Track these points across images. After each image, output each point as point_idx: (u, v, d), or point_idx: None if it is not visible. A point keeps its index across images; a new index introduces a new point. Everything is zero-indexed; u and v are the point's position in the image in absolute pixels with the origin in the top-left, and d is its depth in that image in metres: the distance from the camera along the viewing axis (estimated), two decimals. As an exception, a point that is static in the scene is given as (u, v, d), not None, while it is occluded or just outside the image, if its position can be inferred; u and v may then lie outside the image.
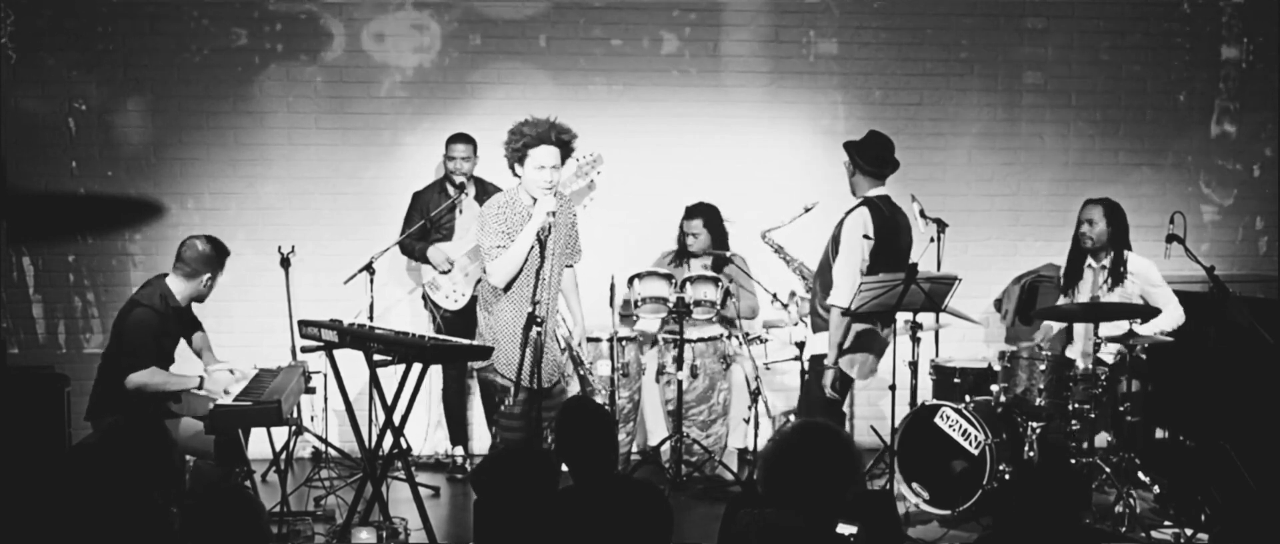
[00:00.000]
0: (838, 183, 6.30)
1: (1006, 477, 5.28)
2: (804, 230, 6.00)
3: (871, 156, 5.26)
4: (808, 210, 5.97)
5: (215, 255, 5.13)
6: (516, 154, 4.94)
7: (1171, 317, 5.62)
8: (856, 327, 5.21)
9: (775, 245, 6.12)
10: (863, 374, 5.31)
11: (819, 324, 5.33)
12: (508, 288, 4.99)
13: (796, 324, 5.99)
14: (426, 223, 6.18)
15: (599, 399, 5.86)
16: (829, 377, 5.20)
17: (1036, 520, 3.07)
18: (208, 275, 5.11)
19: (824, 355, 5.23)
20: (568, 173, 5.22)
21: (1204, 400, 5.90)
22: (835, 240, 5.22)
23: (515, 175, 5.01)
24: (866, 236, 5.14)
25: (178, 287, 5.08)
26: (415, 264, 6.50)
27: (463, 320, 6.15)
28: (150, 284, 5.13)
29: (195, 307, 5.33)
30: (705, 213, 6.35)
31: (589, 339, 6.06)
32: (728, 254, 6.34)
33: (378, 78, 6.73)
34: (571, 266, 5.36)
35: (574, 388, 5.79)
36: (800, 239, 6.06)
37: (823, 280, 5.29)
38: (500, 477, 3.51)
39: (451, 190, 6.24)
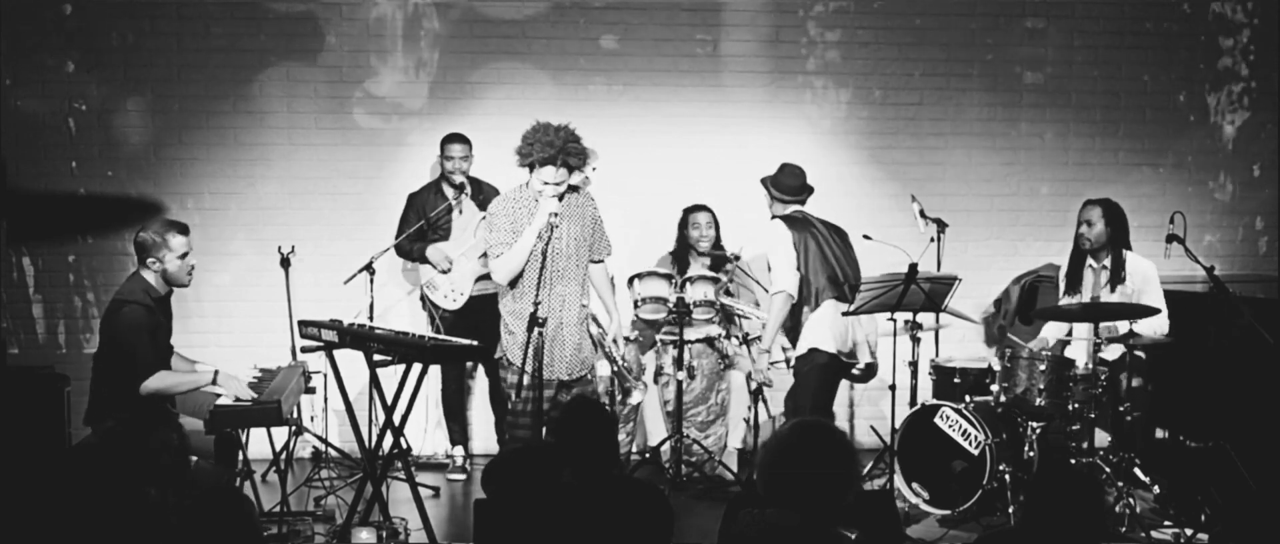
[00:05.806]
0: (834, 183, 6.29)
1: (1009, 478, 5.28)
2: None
3: (787, 188, 5.69)
4: (737, 259, 6.30)
5: (152, 233, 4.86)
6: (528, 166, 5.10)
7: (1156, 323, 5.59)
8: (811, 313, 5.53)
9: (745, 268, 6.22)
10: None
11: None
12: (514, 284, 5.13)
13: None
14: (423, 224, 6.17)
15: (637, 395, 5.86)
16: (764, 360, 5.63)
17: (1065, 526, 3.07)
18: (153, 257, 4.84)
19: (805, 354, 5.51)
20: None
21: (1204, 400, 5.89)
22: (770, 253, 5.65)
23: (530, 173, 5.13)
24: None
25: (150, 277, 4.89)
26: (413, 264, 6.49)
27: (461, 320, 6.15)
28: (130, 280, 4.94)
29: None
30: (710, 209, 6.35)
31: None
32: (731, 253, 6.34)
33: (378, 77, 6.72)
34: (601, 262, 5.43)
35: (605, 386, 5.82)
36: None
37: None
38: (511, 475, 3.51)
39: (449, 191, 6.22)
